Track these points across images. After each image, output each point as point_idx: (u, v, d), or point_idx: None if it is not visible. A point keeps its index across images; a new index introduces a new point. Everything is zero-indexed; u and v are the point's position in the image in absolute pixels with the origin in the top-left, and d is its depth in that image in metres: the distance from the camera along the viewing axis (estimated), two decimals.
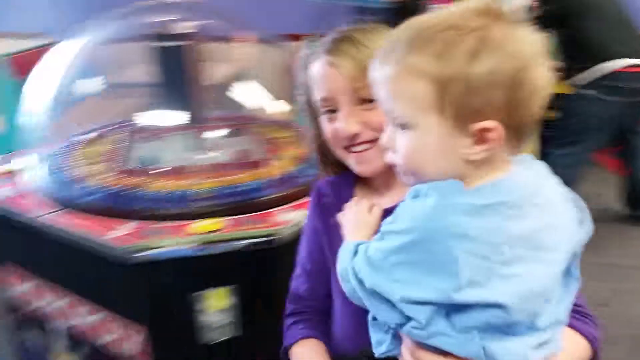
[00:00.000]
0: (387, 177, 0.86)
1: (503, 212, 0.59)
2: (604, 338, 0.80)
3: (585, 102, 2.70)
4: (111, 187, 1.39)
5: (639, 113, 2.75)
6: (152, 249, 1.19)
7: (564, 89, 2.90)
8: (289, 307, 1.01)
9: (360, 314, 0.74)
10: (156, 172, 1.46)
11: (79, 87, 1.64)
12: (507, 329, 0.61)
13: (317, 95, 0.86)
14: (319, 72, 0.85)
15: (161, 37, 1.48)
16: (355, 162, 0.87)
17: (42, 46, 3.74)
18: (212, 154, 1.59)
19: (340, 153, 0.88)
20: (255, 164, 1.51)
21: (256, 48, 1.78)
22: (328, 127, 0.87)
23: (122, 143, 1.63)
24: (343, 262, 0.72)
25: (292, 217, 1.29)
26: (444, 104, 0.59)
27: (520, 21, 0.62)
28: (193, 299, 1.23)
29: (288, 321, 1.00)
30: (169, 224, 1.29)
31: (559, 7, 2.63)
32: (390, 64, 0.62)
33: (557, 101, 3.15)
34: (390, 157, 0.67)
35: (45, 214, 1.36)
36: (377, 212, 0.83)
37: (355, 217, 0.84)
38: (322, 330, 0.96)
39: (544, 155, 2.86)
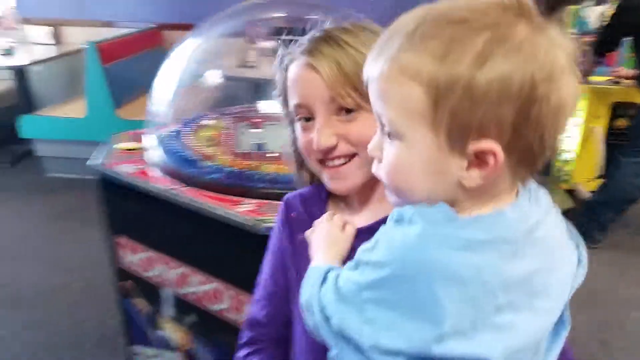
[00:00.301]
0: (363, 193, 0.79)
1: (500, 249, 0.50)
2: None
3: None
4: (229, 168, 1.49)
5: None
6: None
7: (637, 97, 2.90)
8: (245, 335, 0.92)
9: (323, 346, 0.64)
10: (267, 156, 1.55)
11: (196, 78, 1.76)
12: None
13: (293, 100, 0.77)
14: (296, 74, 0.75)
15: (276, 31, 1.59)
16: (329, 178, 0.78)
17: (125, 35, 3.94)
18: None
19: (314, 166, 0.80)
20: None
21: None
22: (302, 136, 0.78)
23: (233, 129, 1.74)
24: (309, 289, 0.64)
25: None
26: (438, 114, 0.49)
27: (550, 22, 0.50)
28: None
29: (243, 351, 0.90)
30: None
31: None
32: (383, 59, 0.52)
33: (630, 109, 3.18)
34: (376, 169, 0.58)
35: (169, 189, 1.46)
36: (350, 230, 0.76)
37: (326, 233, 0.75)
38: None
39: (612, 163, 2.88)
